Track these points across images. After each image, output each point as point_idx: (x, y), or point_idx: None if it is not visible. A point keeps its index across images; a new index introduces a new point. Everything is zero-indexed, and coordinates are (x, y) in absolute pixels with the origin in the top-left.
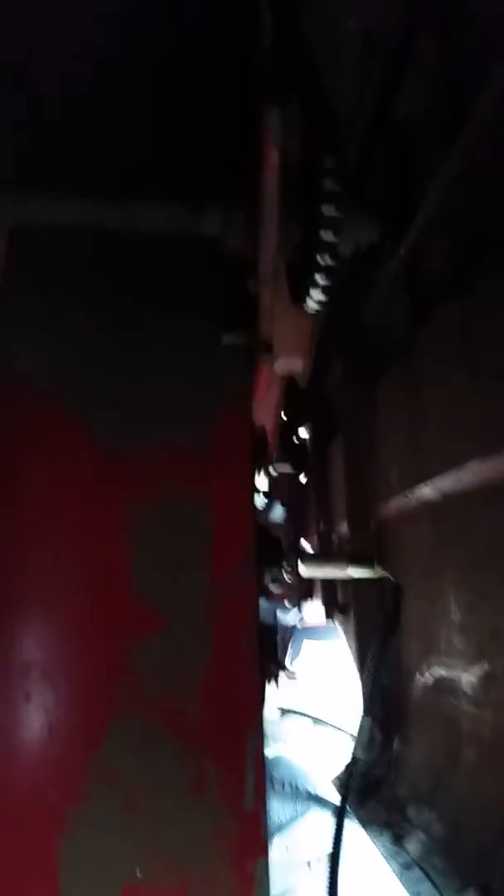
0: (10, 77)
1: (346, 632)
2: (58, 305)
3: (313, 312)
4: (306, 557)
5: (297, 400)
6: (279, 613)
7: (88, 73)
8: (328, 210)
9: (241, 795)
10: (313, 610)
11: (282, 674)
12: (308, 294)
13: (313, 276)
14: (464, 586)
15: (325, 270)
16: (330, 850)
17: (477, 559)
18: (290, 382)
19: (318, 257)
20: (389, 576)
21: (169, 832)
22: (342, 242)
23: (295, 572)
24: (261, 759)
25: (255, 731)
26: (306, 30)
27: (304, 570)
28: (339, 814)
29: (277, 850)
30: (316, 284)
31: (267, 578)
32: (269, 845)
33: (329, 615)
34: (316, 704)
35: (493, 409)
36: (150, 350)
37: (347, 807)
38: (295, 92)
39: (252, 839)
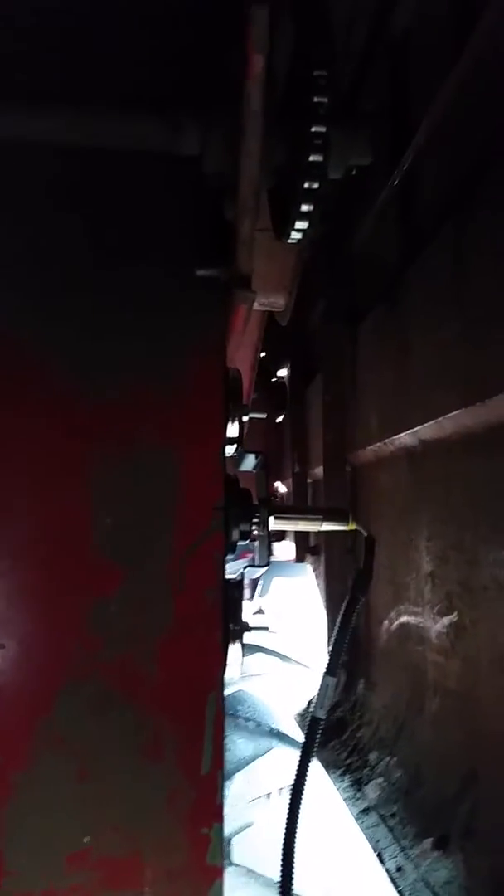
0: None
1: (316, 572)
2: (10, 231)
3: (295, 243)
4: (278, 511)
5: (278, 338)
6: (246, 570)
7: None
8: (317, 128)
9: (199, 760)
10: (284, 547)
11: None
12: (291, 223)
13: (298, 203)
14: (437, 536)
15: (312, 196)
16: (292, 788)
17: (452, 510)
18: (270, 319)
19: (305, 181)
20: (364, 531)
21: (121, 798)
22: (331, 165)
23: (265, 527)
24: (220, 723)
25: (215, 694)
26: None
27: (276, 525)
28: (305, 751)
29: (238, 785)
30: (300, 212)
31: (235, 534)
32: (231, 781)
33: (300, 557)
34: (282, 641)
35: (480, 357)
36: (114, 282)
37: None
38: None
39: (207, 804)
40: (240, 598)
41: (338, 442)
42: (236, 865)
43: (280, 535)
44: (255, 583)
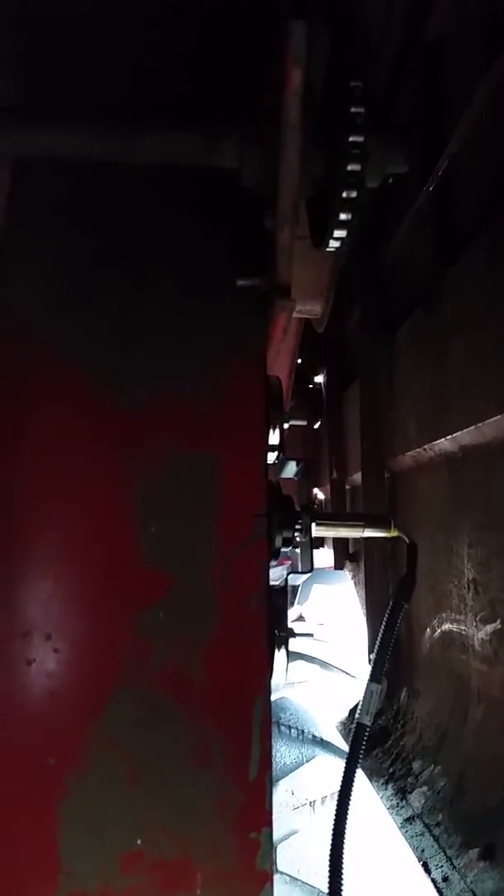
0: None
1: (355, 580)
2: (62, 243)
3: (334, 251)
4: (320, 518)
5: (314, 344)
6: (290, 576)
7: None
8: (355, 138)
9: (247, 765)
10: (323, 554)
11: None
12: (330, 232)
13: (336, 212)
14: (479, 543)
15: (350, 205)
16: (339, 793)
17: (494, 516)
18: (307, 325)
19: (343, 191)
20: (405, 538)
21: (171, 802)
22: (369, 174)
23: (308, 533)
24: (267, 728)
25: (261, 699)
26: None
27: (318, 531)
28: (351, 757)
29: (282, 794)
30: (339, 221)
31: (278, 540)
32: (275, 789)
33: (339, 564)
34: (325, 648)
35: None
36: (157, 293)
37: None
38: (320, 9)
39: (256, 809)
40: (285, 605)
41: (376, 448)
42: (281, 873)
43: (320, 543)
44: (294, 590)
